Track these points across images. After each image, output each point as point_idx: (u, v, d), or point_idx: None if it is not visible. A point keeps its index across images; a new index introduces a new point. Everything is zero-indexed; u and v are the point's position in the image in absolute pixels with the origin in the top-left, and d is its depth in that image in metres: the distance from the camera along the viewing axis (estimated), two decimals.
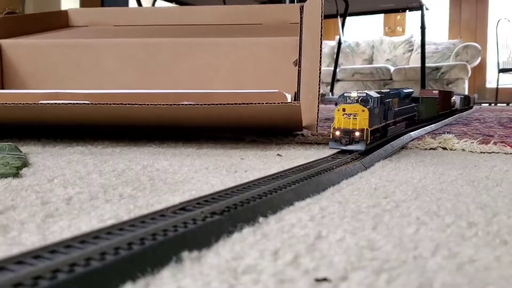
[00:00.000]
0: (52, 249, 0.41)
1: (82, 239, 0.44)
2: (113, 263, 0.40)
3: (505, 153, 1.30)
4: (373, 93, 1.08)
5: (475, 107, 4.48)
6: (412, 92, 1.49)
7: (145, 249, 0.44)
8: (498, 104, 5.61)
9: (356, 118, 1.02)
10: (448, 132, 1.66)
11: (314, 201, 0.71)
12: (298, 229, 0.57)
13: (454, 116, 2.68)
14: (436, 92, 2.25)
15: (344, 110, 1.03)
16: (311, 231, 0.56)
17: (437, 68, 5.50)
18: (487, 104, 5.41)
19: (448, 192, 0.79)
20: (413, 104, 1.58)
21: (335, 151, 1.09)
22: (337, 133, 1.04)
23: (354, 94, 1.07)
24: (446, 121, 2.25)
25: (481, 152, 1.31)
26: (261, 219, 0.59)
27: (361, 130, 1.02)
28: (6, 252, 0.48)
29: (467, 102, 3.59)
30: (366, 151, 1.05)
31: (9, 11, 3.42)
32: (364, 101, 1.05)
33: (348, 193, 0.77)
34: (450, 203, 0.71)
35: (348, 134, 1.03)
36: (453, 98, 2.88)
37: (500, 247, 0.52)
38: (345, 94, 1.08)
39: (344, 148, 1.03)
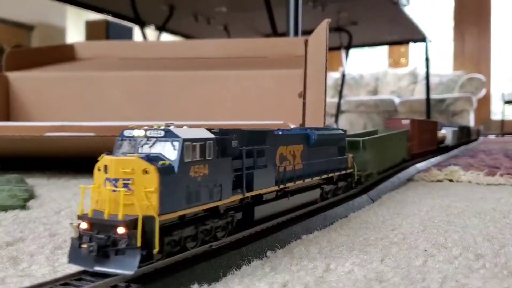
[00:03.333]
0: (64, 281, 0.42)
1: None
2: None
3: (511, 185, 1.30)
4: (193, 132, 0.52)
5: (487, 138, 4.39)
6: (341, 135, 0.91)
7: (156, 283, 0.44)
8: None
9: (127, 191, 0.46)
10: (454, 164, 1.66)
11: (322, 234, 0.71)
12: (307, 261, 0.57)
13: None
14: (407, 122, 1.53)
15: (106, 169, 0.48)
16: (320, 263, 0.56)
17: (441, 100, 5.52)
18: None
19: (455, 224, 0.79)
20: (345, 156, 0.91)
21: None
22: (84, 226, 0.47)
23: (139, 132, 0.51)
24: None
25: (488, 184, 1.31)
26: (269, 252, 0.59)
27: (132, 223, 0.45)
28: (18, 284, 0.48)
29: (465, 135, 2.88)
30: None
31: (16, 45, 3.48)
32: (157, 146, 0.50)
33: (356, 226, 0.77)
34: (457, 235, 0.71)
35: (105, 231, 0.45)
36: (442, 131, 2.20)
37: (508, 278, 0.52)
38: (125, 132, 0.52)
39: (88, 269, 0.45)
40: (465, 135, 2.88)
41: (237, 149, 0.58)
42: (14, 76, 1.73)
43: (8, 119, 1.72)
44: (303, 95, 1.45)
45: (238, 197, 0.58)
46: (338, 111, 4.91)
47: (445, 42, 6.45)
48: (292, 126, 1.31)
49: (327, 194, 0.86)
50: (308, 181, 0.76)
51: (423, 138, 1.65)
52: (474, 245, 0.65)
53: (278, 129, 0.74)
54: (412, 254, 0.61)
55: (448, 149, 2.22)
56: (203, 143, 0.51)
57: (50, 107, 1.68)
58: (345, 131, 0.94)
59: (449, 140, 2.25)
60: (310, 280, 0.50)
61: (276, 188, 0.67)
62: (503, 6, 6.18)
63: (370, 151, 1.06)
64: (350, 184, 0.95)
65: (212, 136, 0.53)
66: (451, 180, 1.36)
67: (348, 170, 0.92)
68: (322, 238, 0.68)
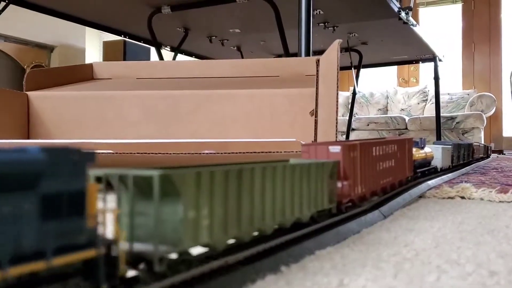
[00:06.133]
0: None
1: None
2: None
3: None
4: None
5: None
6: (38, 162, 0.37)
7: None
8: None
9: None
10: (465, 181, 1.66)
11: (335, 250, 0.72)
12: (321, 276, 0.58)
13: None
14: (337, 150, 0.86)
15: None
16: (333, 278, 0.57)
17: (452, 118, 5.51)
18: None
19: (468, 241, 0.79)
20: (73, 219, 0.39)
21: None
22: None
23: None
24: None
25: (500, 201, 1.31)
26: (283, 267, 0.61)
27: None
28: None
29: (466, 154, 2.36)
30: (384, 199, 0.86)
31: (36, 64, 3.56)
32: None
33: (369, 242, 0.78)
34: (470, 251, 0.72)
35: None
36: (426, 149, 1.59)
37: None
38: None
39: None
40: (465, 154, 2.33)
41: None
42: (34, 95, 1.77)
43: (28, 137, 1.75)
44: (315, 113, 1.47)
45: None
46: (349, 128, 4.92)
47: (456, 60, 6.46)
48: (303, 143, 1.32)
49: None
50: None
51: (376, 171, 1.02)
52: (487, 262, 0.66)
53: None
54: (425, 270, 0.61)
55: (436, 173, 1.70)
56: None
57: (69, 125, 1.72)
58: (86, 154, 0.41)
59: (438, 161, 1.72)
60: None
61: None
62: None
63: (196, 199, 0.50)
64: None
65: None
66: (462, 197, 1.36)
67: (87, 251, 0.40)
68: (335, 253, 0.69)
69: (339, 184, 0.86)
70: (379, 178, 1.04)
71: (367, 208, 0.96)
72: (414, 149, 1.41)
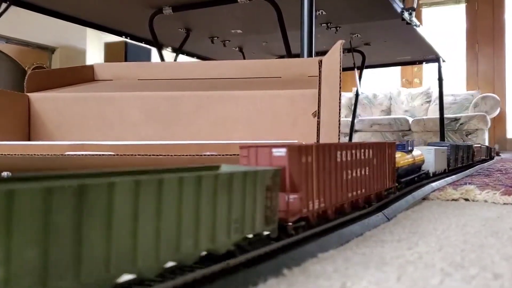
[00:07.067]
0: None
1: None
2: None
3: None
4: None
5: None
6: None
7: None
8: None
9: None
10: (469, 183, 1.65)
11: (337, 253, 0.71)
12: (323, 280, 0.57)
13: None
14: (282, 153, 0.67)
15: None
16: (336, 282, 0.56)
17: (455, 119, 5.50)
18: None
19: (471, 244, 0.79)
20: None
21: None
22: None
23: None
24: None
25: (504, 203, 1.30)
26: (285, 270, 0.60)
27: None
28: None
29: (465, 157, 2.16)
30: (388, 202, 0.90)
31: (37, 66, 3.58)
32: None
33: (372, 244, 0.78)
34: (474, 254, 0.71)
35: None
36: (416, 152, 1.42)
37: None
38: None
39: None
40: (464, 157, 2.12)
41: None
42: (35, 97, 1.77)
43: (29, 139, 1.75)
44: (317, 114, 1.46)
45: None
46: (352, 130, 4.91)
47: (459, 61, 6.45)
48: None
49: None
50: None
51: (342, 181, 0.82)
52: (491, 265, 0.65)
53: None
54: (428, 273, 0.61)
55: (427, 179, 1.51)
56: None
57: (70, 127, 1.72)
58: None
59: (430, 165, 1.54)
60: None
61: None
62: None
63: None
64: None
65: None
66: (466, 199, 1.36)
67: None
68: (338, 256, 0.68)
69: (285, 199, 0.67)
70: (346, 190, 0.84)
71: (370, 210, 0.95)
72: (398, 154, 1.22)
